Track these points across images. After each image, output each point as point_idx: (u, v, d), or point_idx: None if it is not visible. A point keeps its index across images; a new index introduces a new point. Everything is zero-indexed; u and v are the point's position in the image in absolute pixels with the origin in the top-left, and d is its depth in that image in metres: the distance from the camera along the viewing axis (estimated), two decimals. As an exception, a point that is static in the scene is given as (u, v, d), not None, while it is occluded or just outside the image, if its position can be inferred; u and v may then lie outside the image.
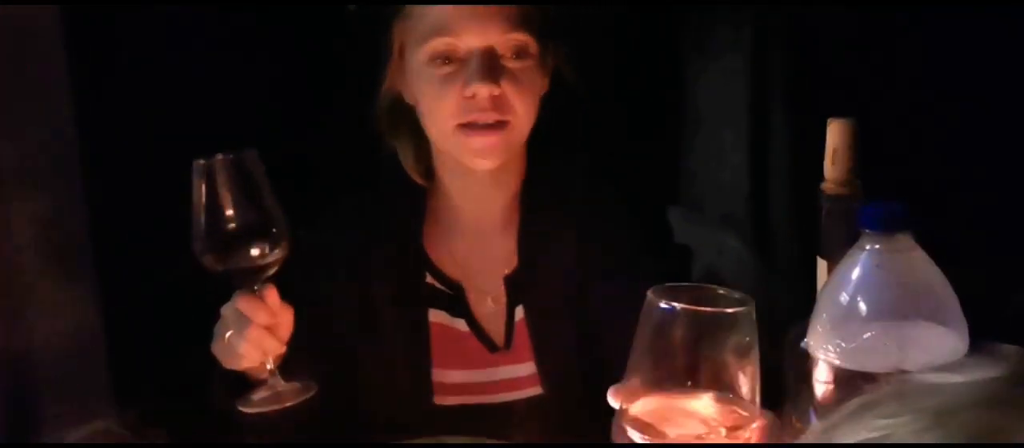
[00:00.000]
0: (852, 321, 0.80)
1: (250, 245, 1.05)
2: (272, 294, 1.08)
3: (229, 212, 1.04)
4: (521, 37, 1.16)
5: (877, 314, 0.79)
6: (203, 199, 1.05)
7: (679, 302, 0.78)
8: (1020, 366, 0.54)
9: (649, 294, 0.80)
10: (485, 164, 1.20)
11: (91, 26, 1.47)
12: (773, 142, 1.97)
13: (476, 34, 1.14)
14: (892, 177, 0.94)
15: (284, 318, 1.11)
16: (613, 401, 0.82)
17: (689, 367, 0.79)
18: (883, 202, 0.80)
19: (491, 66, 1.14)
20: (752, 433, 0.80)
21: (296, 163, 1.39)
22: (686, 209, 1.53)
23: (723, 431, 0.79)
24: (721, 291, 0.81)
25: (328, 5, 1.28)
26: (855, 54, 1.83)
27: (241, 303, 1.07)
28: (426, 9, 1.16)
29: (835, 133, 0.89)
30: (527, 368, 1.27)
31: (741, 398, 0.80)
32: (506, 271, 1.28)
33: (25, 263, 1.42)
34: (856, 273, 0.80)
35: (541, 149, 1.29)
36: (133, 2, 1.50)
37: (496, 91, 1.15)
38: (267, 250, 1.06)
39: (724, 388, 0.79)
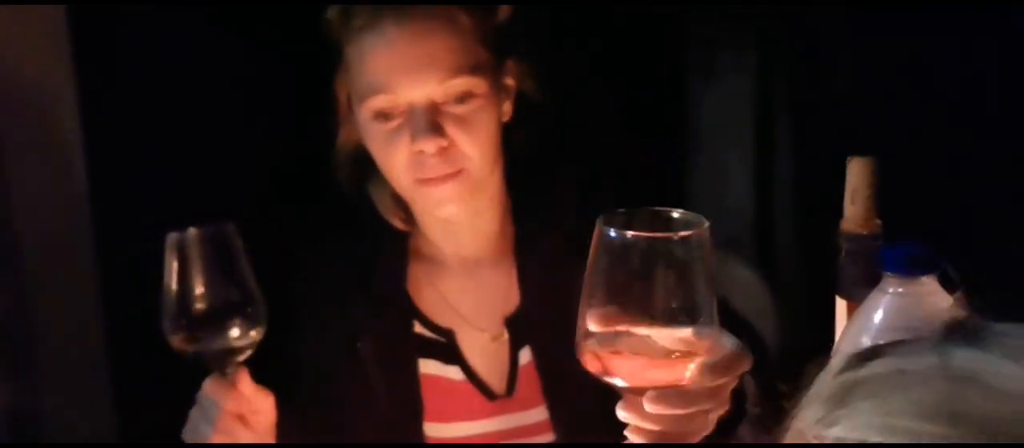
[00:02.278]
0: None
1: (223, 325, 1.00)
2: (244, 379, 1.01)
3: (199, 289, 0.99)
4: (462, 82, 1.09)
5: (901, 359, 0.78)
6: (174, 275, 0.99)
7: (632, 229, 0.76)
8: None
9: (599, 222, 0.77)
10: (449, 212, 1.14)
11: (106, 94, 1.47)
12: (778, 164, 1.96)
13: (414, 88, 1.08)
14: (906, 210, 0.94)
15: (261, 405, 1.03)
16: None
17: (642, 296, 0.75)
18: (906, 244, 0.79)
19: (433, 120, 1.08)
20: (697, 362, 0.77)
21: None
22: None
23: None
24: (675, 214, 0.79)
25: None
26: (859, 76, 1.82)
27: (209, 387, 1.01)
28: (362, 66, 1.10)
29: (855, 172, 0.88)
30: (534, 415, 1.19)
31: (698, 326, 0.77)
32: (506, 310, 1.20)
33: (38, 330, 1.42)
34: (878, 316, 0.79)
35: (522, 173, 1.22)
36: (149, 72, 1.50)
37: (444, 143, 1.08)
38: (243, 331, 1.00)
39: (682, 315, 0.76)
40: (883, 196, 0.90)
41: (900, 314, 0.78)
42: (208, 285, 0.99)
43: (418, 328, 1.21)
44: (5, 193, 1.41)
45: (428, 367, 1.20)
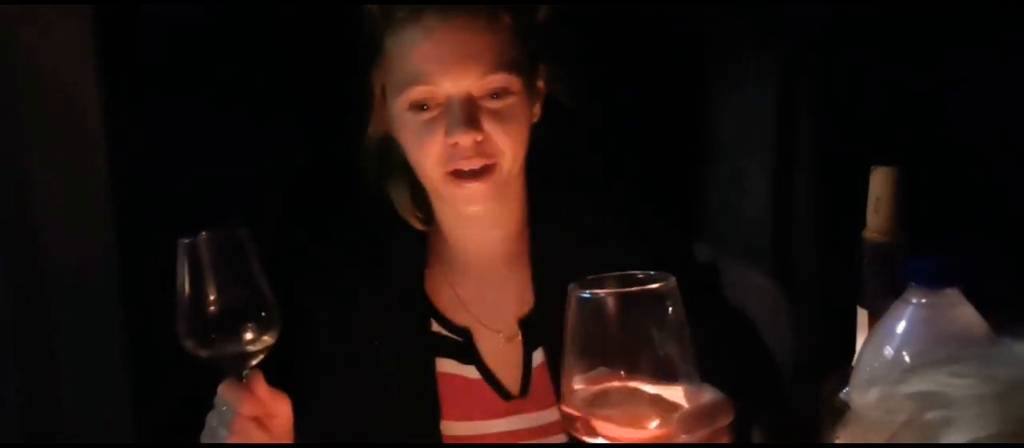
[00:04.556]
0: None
1: (236, 329, 0.99)
2: (259, 382, 1.02)
3: (212, 294, 0.99)
4: (500, 78, 1.11)
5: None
6: (187, 279, 0.99)
7: (602, 288, 0.79)
8: None
9: (570, 287, 0.80)
10: (476, 210, 1.16)
11: (129, 93, 1.48)
12: (799, 173, 1.96)
13: (453, 81, 1.09)
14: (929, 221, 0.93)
15: (277, 408, 1.04)
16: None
17: (619, 353, 0.78)
18: (931, 255, 0.78)
19: (471, 113, 1.09)
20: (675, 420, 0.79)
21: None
22: (713, 244, 1.50)
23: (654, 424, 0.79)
24: (640, 275, 0.81)
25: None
26: (882, 84, 1.81)
27: (224, 391, 1.01)
28: (402, 56, 1.12)
29: (879, 182, 0.88)
30: (548, 416, 1.19)
31: (675, 378, 0.79)
32: (520, 311, 1.21)
33: (57, 328, 1.43)
34: (902, 327, 0.78)
35: (542, 176, 1.24)
36: (172, 72, 1.51)
37: (479, 137, 1.10)
38: (255, 335, 1.00)
39: (659, 369, 0.79)
40: (907, 206, 0.90)
41: (924, 326, 0.77)
42: (220, 290, 0.99)
43: (435, 327, 1.22)
44: (28, 191, 1.42)
45: (445, 366, 1.21)
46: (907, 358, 0.78)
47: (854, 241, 0.92)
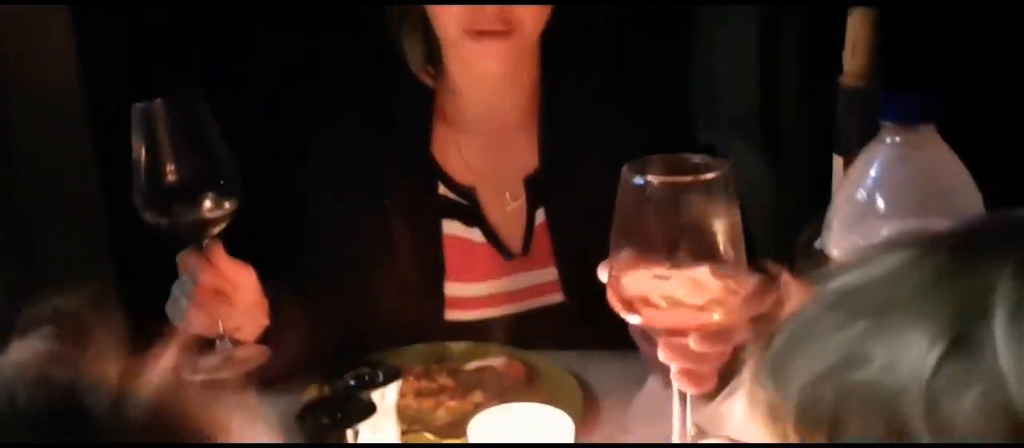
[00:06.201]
0: (870, 218, 0.77)
1: (196, 197, 0.96)
2: (219, 253, 0.99)
3: (170, 162, 0.95)
4: None
5: (898, 211, 0.76)
6: (142, 148, 0.95)
7: (654, 173, 0.77)
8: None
9: (624, 169, 0.79)
10: (492, 69, 1.15)
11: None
12: (785, 36, 1.92)
13: None
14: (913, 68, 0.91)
15: (239, 279, 1.01)
16: (603, 275, 0.82)
17: (671, 239, 0.78)
18: (906, 93, 0.76)
19: None
20: (737, 301, 0.79)
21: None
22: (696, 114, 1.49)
23: (702, 300, 0.79)
24: (696, 159, 0.80)
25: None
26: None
27: (184, 260, 0.99)
28: None
29: (856, 23, 0.85)
30: (548, 274, 1.21)
31: (727, 264, 0.78)
32: (526, 171, 1.22)
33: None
34: (875, 168, 0.77)
35: (557, 43, 1.21)
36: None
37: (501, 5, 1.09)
38: (216, 203, 0.97)
39: (710, 255, 0.78)
40: (883, 50, 0.87)
41: (898, 164, 0.76)
42: (177, 157, 0.96)
43: (442, 189, 1.22)
44: (21, 192, 1.41)
45: (450, 228, 1.22)
46: (880, 201, 0.77)
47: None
